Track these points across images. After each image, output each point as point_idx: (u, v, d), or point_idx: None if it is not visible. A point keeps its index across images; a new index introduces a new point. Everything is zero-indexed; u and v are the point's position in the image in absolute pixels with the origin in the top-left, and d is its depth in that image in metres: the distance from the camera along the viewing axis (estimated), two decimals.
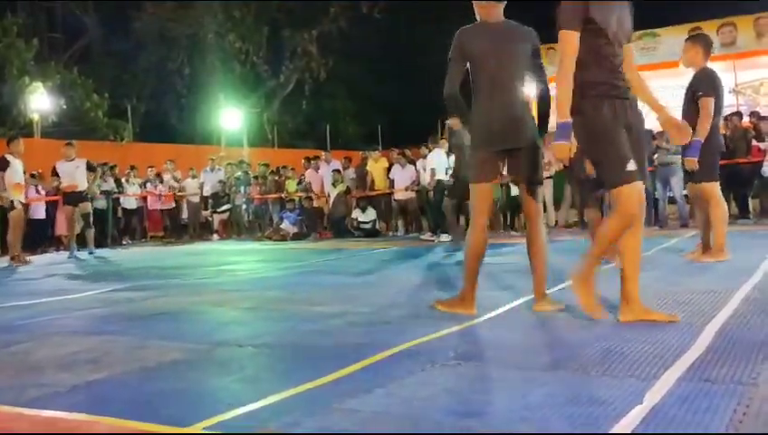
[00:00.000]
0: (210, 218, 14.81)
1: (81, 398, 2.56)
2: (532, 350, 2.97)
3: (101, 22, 24.57)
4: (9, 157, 9.50)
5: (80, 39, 24.79)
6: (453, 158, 9.87)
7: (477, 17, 3.87)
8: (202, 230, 14.88)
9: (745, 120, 11.80)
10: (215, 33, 24.55)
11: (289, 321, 4.03)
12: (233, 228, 14.75)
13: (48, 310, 4.84)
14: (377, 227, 12.90)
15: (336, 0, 25.04)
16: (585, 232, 8.81)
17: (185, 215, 15.10)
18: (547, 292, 3.87)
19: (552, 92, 3.61)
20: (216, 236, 14.32)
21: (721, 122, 6.60)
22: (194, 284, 6.23)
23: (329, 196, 13.44)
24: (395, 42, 26.22)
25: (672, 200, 10.48)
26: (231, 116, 22.10)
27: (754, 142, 10.65)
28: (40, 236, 12.42)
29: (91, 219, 11.01)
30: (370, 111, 27.08)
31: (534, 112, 3.93)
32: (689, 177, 5.89)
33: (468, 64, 3.78)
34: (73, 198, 10.62)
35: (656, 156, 9.96)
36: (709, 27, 14.85)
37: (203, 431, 2.12)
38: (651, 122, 4.38)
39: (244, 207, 14.59)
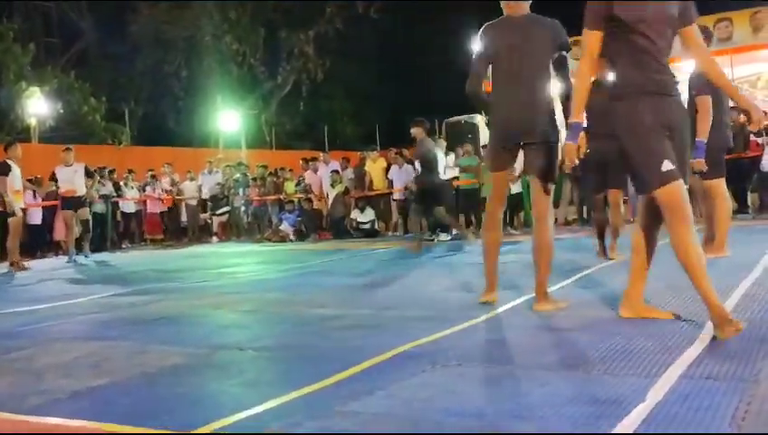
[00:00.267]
0: (209, 221, 14.79)
1: (83, 404, 2.55)
2: (533, 349, 2.97)
3: (97, 25, 24.61)
4: (9, 162, 9.50)
5: (76, 43, 24.82)
6: (419, 165, 9.47)
7: (504, 12, 3.88)
8: (201, 233, 14.85)
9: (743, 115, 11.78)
10: (211, 36, 24.54)
11: (289, 323, 4.03)
12: (232, 230, 14.72)
13: (48, 315, 4.84)
14: (376, 227, 12.89)
15: (332, 0, 25.04)
16: (587, 229, 8.81)
17: (184, 218, 15.09)
18: (548, 290, 3.86)
19: None
20: (215, 239, 14.31)
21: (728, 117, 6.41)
22: (194, 287, 6.22)
23: (327, 196, 13.44)
24: (392, 41, 26.25)
25: None
26: (228, 118, 22.10)
27: (752, 137, 10.66)
28: (37, 242, 12.45)
29: (90, 225, 11.01)
30: (368, 112, 27.09)
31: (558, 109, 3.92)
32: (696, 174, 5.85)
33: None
34: (72, 202, 10.61)
35: None
36: (705, 22, 14.83)
37: None
38: None
39: (242, 208, 14.55)
